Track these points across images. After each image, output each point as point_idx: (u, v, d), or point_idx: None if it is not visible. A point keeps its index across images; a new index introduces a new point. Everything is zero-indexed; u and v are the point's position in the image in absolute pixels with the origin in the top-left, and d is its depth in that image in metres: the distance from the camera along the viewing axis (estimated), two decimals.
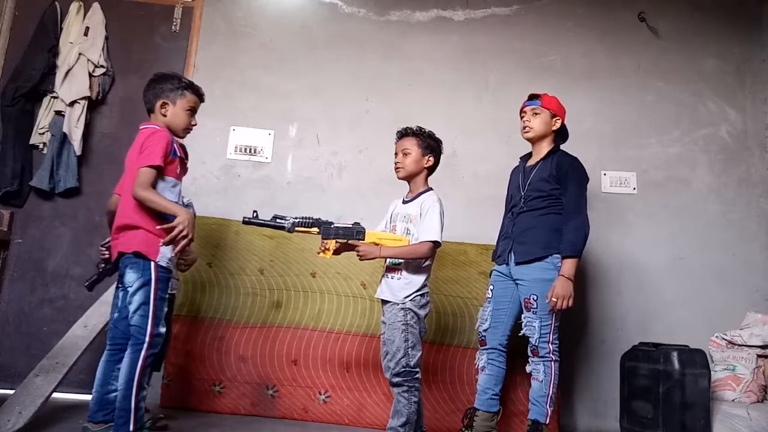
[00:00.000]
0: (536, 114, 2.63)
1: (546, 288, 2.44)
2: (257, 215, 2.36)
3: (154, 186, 2.05)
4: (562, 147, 2.68)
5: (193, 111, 2.25)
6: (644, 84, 3.68)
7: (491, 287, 2.65)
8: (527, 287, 2.50)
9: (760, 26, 3.79)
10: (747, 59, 3.75)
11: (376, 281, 2.59)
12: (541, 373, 2.46)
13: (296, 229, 2.39)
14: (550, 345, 2.46)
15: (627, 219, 3.52)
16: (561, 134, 2.69)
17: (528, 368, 2.54)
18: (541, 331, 2.45)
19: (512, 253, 2.56)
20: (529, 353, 2.50)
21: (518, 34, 3.68)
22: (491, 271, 2.72)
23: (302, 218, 2.39)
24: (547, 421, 2.45)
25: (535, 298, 2.46)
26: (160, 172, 2.08)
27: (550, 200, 2.54)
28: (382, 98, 3.57)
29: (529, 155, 2.74)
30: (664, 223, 3.52)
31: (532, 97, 2.68)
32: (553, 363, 2.46)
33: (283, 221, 2.38)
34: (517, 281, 2.55)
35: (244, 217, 2.37)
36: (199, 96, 2.28)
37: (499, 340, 2.57)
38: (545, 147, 2.65)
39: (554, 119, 2.64)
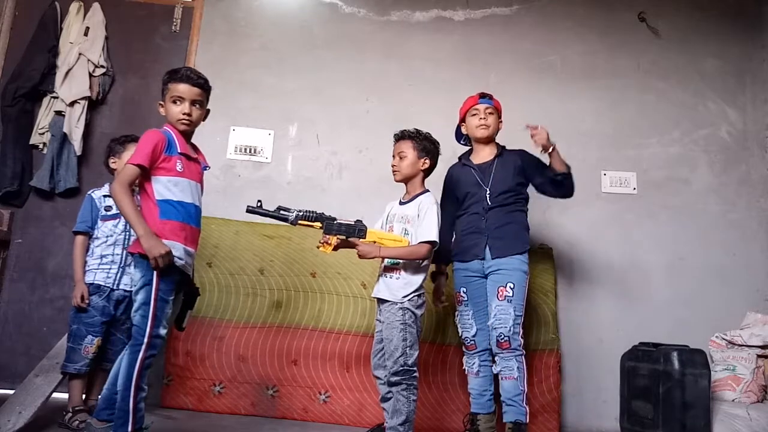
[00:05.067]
0: (490, 113, 2.69)
1: (522, 279, 2.50)
2: (261, 205, 2.36)
3: (141, 186, 2.03)
4: None
5: (179, 99, 2.11)
6: (644, 84, 3.68)
7: (463, 290, 2.63)
8: (505, 275, 2.50)
9: (760, 26, 3.80)
10: (747, 59, 3.75)
11: (375, 281, 2.59)
12: (515, 370, 2.43)
13: (299, 222, 2.39)
14: (520, 337, 2.44)
15: (627, 219, 3.52)
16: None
17: (495, 368, 2.49)
18: (515, 320, 2.44)
19: (488, 248, 2.56)
20: (496, 348, 2.46)
21: (518, 34, 3.69)
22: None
23: (306, 212, 2.41)
24: (527, 420, 2.42)
25: (512, 287, 2.47)
26: (147, 172, 2.03)
27: (516, 197, 2.64)
28: (382, 98, 3.57)
29: (468, 154, 2.79)
30: (664, 223, 3.53)
31: (485, 96, 2.73)
32: (523, 357, 2.44)
33: (287, 213, 2.39)
34: (491, 272, 2.55)
35: (248, 206, 2.37)
36: (180, 80, 2.11)
37: (487, 340, 2.55)
38: (492, 145, 2.73)
39: (499, 121, 2.74)
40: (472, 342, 2.58)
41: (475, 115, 2.71)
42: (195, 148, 2.22)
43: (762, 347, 3.01)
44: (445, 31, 3.67)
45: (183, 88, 2.12)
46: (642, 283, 3.43)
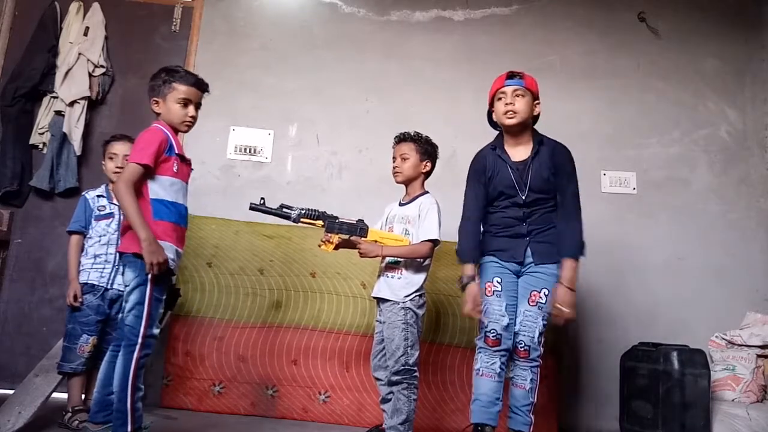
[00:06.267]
0: (520, 96, 2.30)
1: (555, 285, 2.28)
2: (264, 202, 2.37)
3: (140, 184, 2.01)
4: None
5: (186, 102, 2.10)
6: (644, 84, 3.68)
7: (497, 279, 2.30)
8: (541, 280, 2.27)
9: (760, 26, 3.79)
10: (747, 59, 3.75)
11: (375, 281, 2.60)
12: (528, 381, 2.25)
13: (302, 219, 2.41)
14: (541, 348, 2.26)
15: (627, 219, 3.52)
16: (535, 121, 2.42)
17: (509, 373, 2.28)
18: (541, 331, 2.25)
19: (530, 252, 2.30)
20: (514, 355, 2.26)
21: (518, 34, 3.69)
22: (474, 264, 2.34)
23: (308, 210, 2.42)
24: (531, 430, 2.27)
25: (546, 294, 2.26)
26: (149, 172, 2.02)
27: (551, 199, 2.35)
28: (382, 98, 3.57)
29: (501, 141, 2.41)
30: (664, 223, 3.53)
31: (513, 75, 2.33)
32: (538, 368, 2.28)
33: (289, 211, 2.40)
34: (528, 273, 2.31)
35: (251, 203, 2.38)
36: (192, 84, 2.11)
37: (512, 340, 2.26)
38: (527, 137, 2.36)
39: (535, 102, 2.35)
40: (498, 337, 2.23)
41: (501, 99, 2.32)
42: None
43: (762, 347, 3.01)
44: (445, 31, 3.67)
45: (191, 92, 2.12)
46: (642, 283, 3.43)
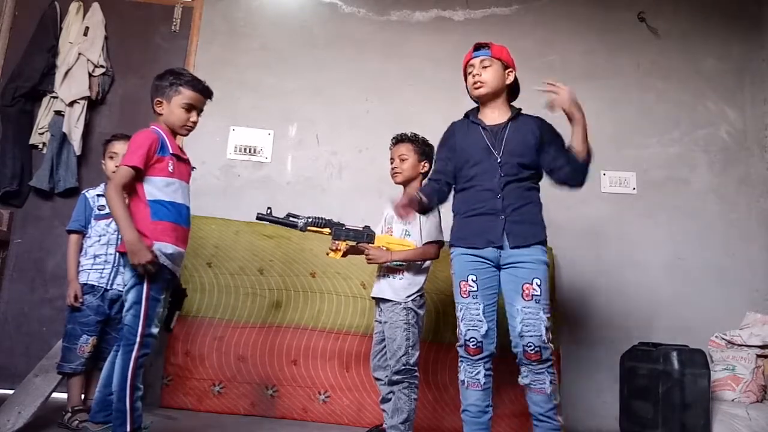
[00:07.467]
0: (486, 66, 2.23)
1: (546, 274, 2.09)
2: (271, 212, 2.41)
3: (135, 186, 2.01)
4: None
5: (191, 107, 2.12)
6: (644, 84, 3.68)
7: (472, 277, 2.11)
8: (530, 270, 2.07)
9: (760, 26, 3.80)
10: (747, 59, 3.75)
11: (375, 281, 2.60)
12: (548, 384, 2.04)
13: (308, 228, 2.44)
14: (551, 345, 2.05)
15: (627, 219, 3.52)
16: (513, 92, 2.34)
17: (524, 380, 2.08)
18: (546, 325, 2.04)
19: (506, 235, 2.11)
20: (523, 359, 2.05)
21: (518, 34, 3.68)
22: (454, 256, 2.20)
23: (315, 218, 2.45)
24: None
25: (539, 284, 2.05)
26: (141, 174, 2.01)
27: (531, 171, 2.20)
28: (382, 98, 3.57)
29: (476, 111, 2.32)
30: (664, 223, 3.53)
31: (479, 47, 2.26)
32: (554, 367, 2.07)
33: (296, 220, 2.43)
34: (509, 265, 2.11)
35: (258, 213, 2.41)
36: (199, 91, 2.13)
37: (494, 343, 2.11)
38: (501, 105, 2.26)
39: (507, 71, 2.27)
40: (479, 345, 2.07)
41: (470, 72, 2.26)
42: (180, 148, 2.22)
43: (761, 347, 3.01)
44: (445, 31, 3.67)
45: (197, 98, 2.14)
46: (642, 283, 3.43)
